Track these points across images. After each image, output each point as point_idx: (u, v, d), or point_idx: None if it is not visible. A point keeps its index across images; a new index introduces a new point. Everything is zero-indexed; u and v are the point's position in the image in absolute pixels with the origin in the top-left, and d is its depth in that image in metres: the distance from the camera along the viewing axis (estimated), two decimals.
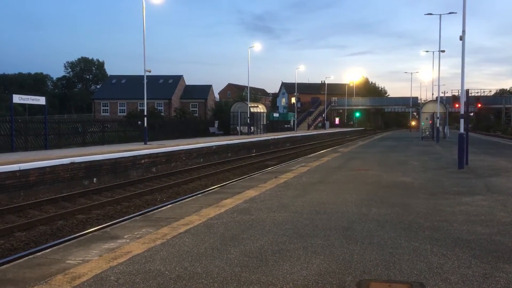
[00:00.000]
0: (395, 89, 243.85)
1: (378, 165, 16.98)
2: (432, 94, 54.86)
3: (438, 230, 6.81)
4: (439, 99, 40.38)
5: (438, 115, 38.36)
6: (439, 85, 40.62)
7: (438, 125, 37.78)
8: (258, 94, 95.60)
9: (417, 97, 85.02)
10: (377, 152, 24.88)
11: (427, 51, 47.93)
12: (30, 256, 5.95)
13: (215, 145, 27.67)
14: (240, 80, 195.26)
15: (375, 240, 6.26)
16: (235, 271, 4.98)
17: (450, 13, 36.71)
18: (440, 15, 37.19)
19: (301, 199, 9.55)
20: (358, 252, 5.68)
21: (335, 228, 6.93)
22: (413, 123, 77.69)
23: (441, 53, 38.91)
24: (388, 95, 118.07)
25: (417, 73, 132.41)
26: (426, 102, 48.00)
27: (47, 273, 4.97)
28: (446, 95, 68.14)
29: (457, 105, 32.95)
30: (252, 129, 44.69)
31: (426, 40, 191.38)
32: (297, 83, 66.75)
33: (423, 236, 6.48)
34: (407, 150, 26.44)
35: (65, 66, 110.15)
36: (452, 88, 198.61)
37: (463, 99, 17.02)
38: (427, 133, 40.39)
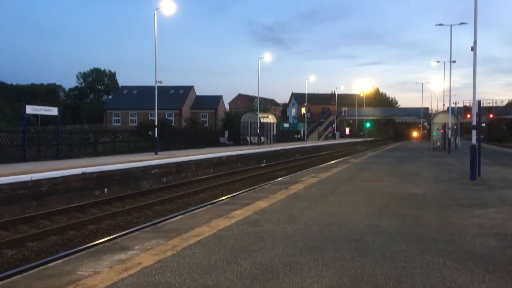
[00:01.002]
0: (406, 100, 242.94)
1: (389, 176, 16.86)
2: (444, 104, 54.62)
3: (450, 243, 6.73)
4: (450, 110, 40.12)
5: (449, 126, 38.08)
6: (450, 96, 40.49)
7: (449, 136, 37.49)
8: (268, 105, 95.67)
9: (428, 108, 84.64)
10: (388, 163, 24.73)
11: (438, 62, 48.04)
12: (42, 267, 5.97)
13: (225, 156, 27.71)
14: (250, 90, 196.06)
15: (387, 253, 6.20)
16: (245, 284, 4.95)
17: (461, 23, 36.65)
18: (451, 25, 37.11)
19: (311, 211, 9.50)
20: (370, 265, 5.63)
21: (346, 241, 6.87)
22: (415, 134, 74.03)
23: (452, 63, 38.84)
24: (399, 105, 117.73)
25: (428, 83, 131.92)
26: (437, 113, 47.72)
27: (58, 285, 4.99)
28: (458, 105, 67.72)
29: (468, 116, 32.72)
30: (262, 139, 44.70)
31: (437, 50, 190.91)
32: (307, 93, 66.82)
33: (435, 249, 6.41)
34: (419, 161, 26.25)
35: (77, 77, 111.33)
36: (463, 99, 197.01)
37: (475, 110, 16.90)
38: (438, 144, 40.09)
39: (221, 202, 12.52)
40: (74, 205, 14.16)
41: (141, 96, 62.37)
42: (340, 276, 5.19)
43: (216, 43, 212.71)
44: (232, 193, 16.80)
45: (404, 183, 14.70)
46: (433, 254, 6.12)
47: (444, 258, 5.93)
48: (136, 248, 6.62)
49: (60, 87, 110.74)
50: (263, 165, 30.94)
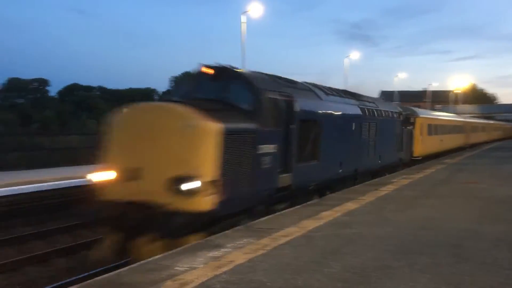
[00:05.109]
0: (507, 95, 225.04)
1: (489, 178, 15.78)
2: None
3: None
4: None
5: None
6: None
7: None
8: None
9: None
10: (487, 163, 23.12)
11: None
12: (142, 262, 6.37)
13: None
14: None
15: (488, 260, 5.82)
16: (336, 287, 4.92)
17: None
18: None
19: (403, 214, 9.18)
20: (469, 272, 5.33)
21: (442, 245, 6.56)
22: None
23: None
24: (497, 102, 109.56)
25: None
26: None
27: (158, 279, 5.30)
28: None
29: None
30: None
31: None
32: (398, 91, 64.48)
33: None
34: None
35: (170, 80, 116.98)
36: None
37: None
38: None
39: (309, 202, 12.48)
40: None
41: None
42: (436, 283, 4.97)
43: (302, 43, 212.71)
44: None
45: (507, 185, 13.68)
46: None
47: None
48: (228, 246, 6.83)
49: (154, 90, 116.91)
50: None
